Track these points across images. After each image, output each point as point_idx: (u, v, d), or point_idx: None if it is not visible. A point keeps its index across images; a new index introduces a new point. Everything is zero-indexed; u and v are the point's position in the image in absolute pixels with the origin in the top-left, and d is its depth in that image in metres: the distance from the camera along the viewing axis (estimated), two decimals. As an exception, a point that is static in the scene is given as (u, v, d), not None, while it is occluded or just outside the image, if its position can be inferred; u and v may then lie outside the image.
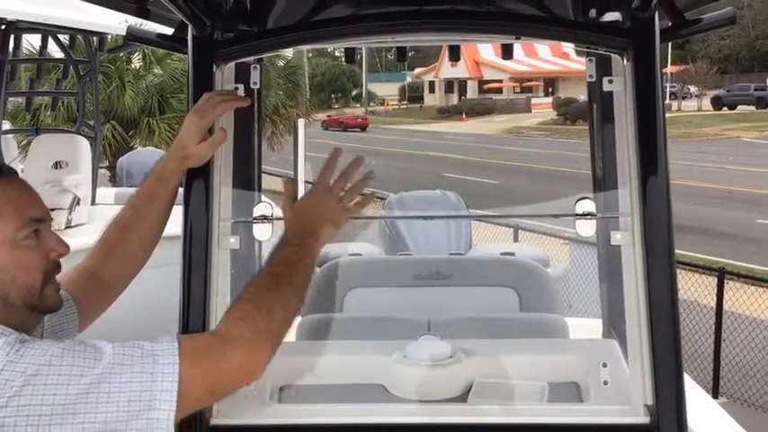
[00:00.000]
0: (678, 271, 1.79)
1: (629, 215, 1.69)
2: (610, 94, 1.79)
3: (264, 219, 1.86)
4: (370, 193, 1.76)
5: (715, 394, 7.06)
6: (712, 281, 7.73)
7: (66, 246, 1.36)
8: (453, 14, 1.81)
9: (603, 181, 2.14)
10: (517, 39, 1.91)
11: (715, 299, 7.47)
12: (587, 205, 1.78)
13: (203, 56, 1.77)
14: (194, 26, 1.73)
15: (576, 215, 1.79)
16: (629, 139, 1.71)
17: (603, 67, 1.86)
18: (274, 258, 1.54)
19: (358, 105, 63.59)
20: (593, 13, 1.99)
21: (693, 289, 8.02)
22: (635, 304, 1.67)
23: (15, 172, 1.38)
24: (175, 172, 1.71)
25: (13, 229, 1.28)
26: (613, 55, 1.77)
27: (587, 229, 1.78)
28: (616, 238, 1.70)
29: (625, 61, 1.74)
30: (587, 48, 1.84)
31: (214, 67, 1.77)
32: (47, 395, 1.13)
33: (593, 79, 1.89)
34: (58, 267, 1.37)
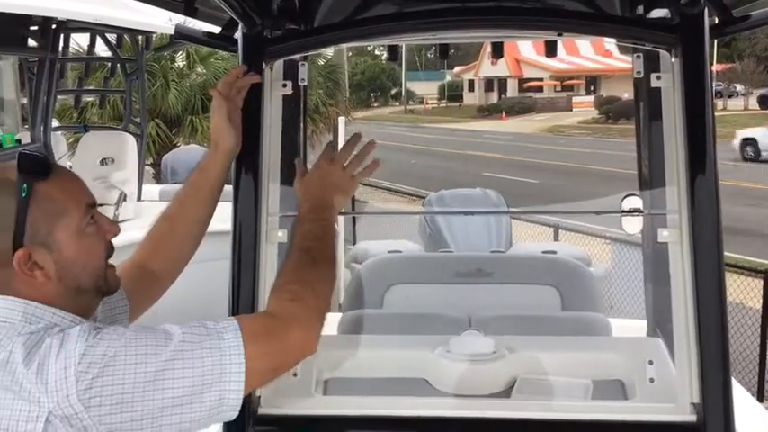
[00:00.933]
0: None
1: (677, 212, 1.68)
2: (657, 90, 1.78)
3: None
4: (376, 160, 1.78)
5: (760, 398, 6.93)
6: (758, 283, 7.57)
7: (117, 225, 1.42)
8: (498, 11, 1.82)
9: (650, 179, 2.13)
10: (559, 35, 1.91)
11: (761, 301, 7.32)
12: (634, 202, 1.78)
13: (253, 53, 1.80)
14: (245, 24, 1.77)
15: (623, 212, 1.78)
16: (677, 135, 1.70)
17: (651, 64, 1.85)
18: (300, 236, 1.59)
19: (397, 104, 63.61)
20: (640, 9, 1.99)
21: (739, 291, 7.86)
22: (682, 302, 1.66)
23: (61, 166, 1.41)
24: (213, 160, 1.75)
25: (78, 220, 1.32)
26: (662, 51, 1.76)
27: (634, 226, 1.78)
28: (663, 235, 1.69)
29: (673, 58, 1.73)
30: (635, 44, 1.84)
31: (263, 64, 1.81)
32: (127, 374, 1.19)
33: (641, 75, 1.88)
34: (111, 248, 1.42)
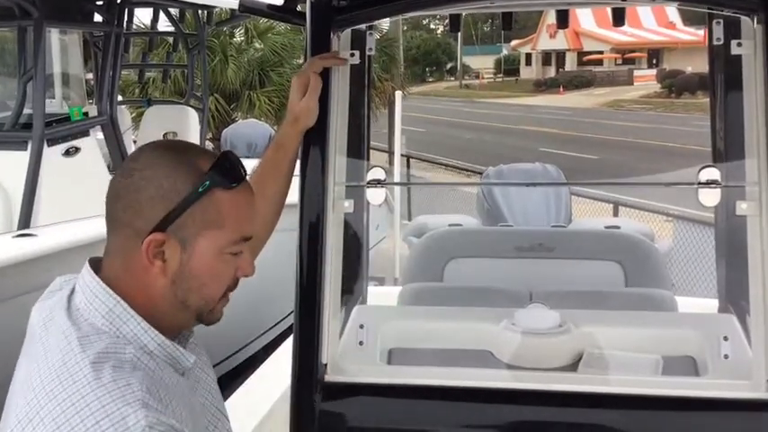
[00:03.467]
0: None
1: (757, 184, 1.62)
2: (737, 58, 1.71)
3: (378, 183, 1.89)
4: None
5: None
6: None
7: (254, 269, 1.29)
8: None
9: (726, 151, 2.06)
10: (623, 1, 1.84)
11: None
12: (712, 173, 1.72)
13: (321, 22, 1.80)
14: None
15: (699, 183, 1.73)
16: (758, 105, 1.64)
17: (731, 31, 1.78)
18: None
19: (452, 79, 63.03)
20: None
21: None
22: (760, 277, 1.61)
23: (250, 186, 1.29)
24: (291, 135, 1.75)
25: (226, 241, 1.22)
26: (743, 17, 1.68)
27: (711, 198, 1.72)
28: (742, 208, 1.64)
29: (756, 23, 1.66)
30: (715, 10, 1.77)
31: (331, 33, 1.80)
32: None
33: (721, 42, 1.81)
34: (235, 285, 1.29)
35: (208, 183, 1.18)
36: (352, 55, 1.87)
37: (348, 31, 1.87)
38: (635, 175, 16.92)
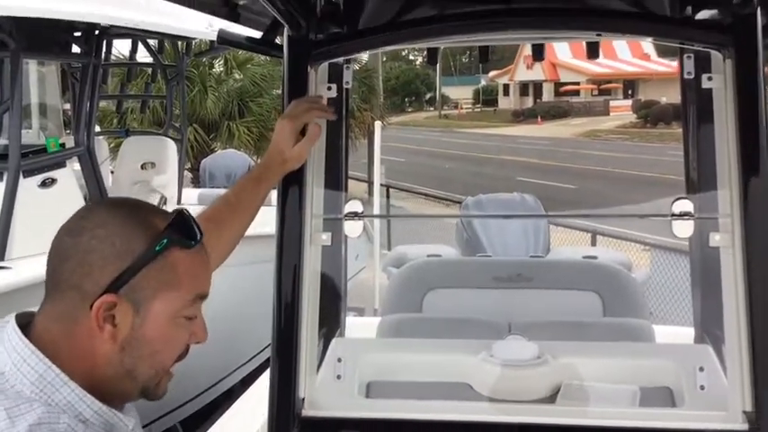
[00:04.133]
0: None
1: (729, 216, 1.64)
2: (708, 91, 1.75)
3: (355, 216, 1.89)
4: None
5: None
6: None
7: (206, 334, 1.22)
8: (542, 12, 1.80)
9: (699, 182, 2.09)
10: (598, 35, 1.88)
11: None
12: (685, 205, 1.74)
13: (299, 56, 1.81)
14: (290, 27, 1.78)
15: (673, 215, 1.75)
16: (728, 137, 1.66)
17: (702, 65, 1.81)
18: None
19: (432, 109, 63.54)
20: (689, 8, 1.95)
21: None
22: (734, 308, 1.62)
23: (203, 245, 1.23)
24: (276, 174, 1.77)
25: (181, 304, 1.16)
26: (713, 52, 1.72)
27: (685, 229, 1.74)
28: (715, 239, 1.66)
29: (725, 58, 1.69)
30: (686, 45, 1.80)
31: (308, 66, 1.81)
32: None
33: (692, 76, 1.84)
34: (186, 353, 1.21)
35: (165, 241, 1.13)
36: (330, 88, 1.88)
37: (325, 64, 1.88)
38: (612, 204, 17.08)
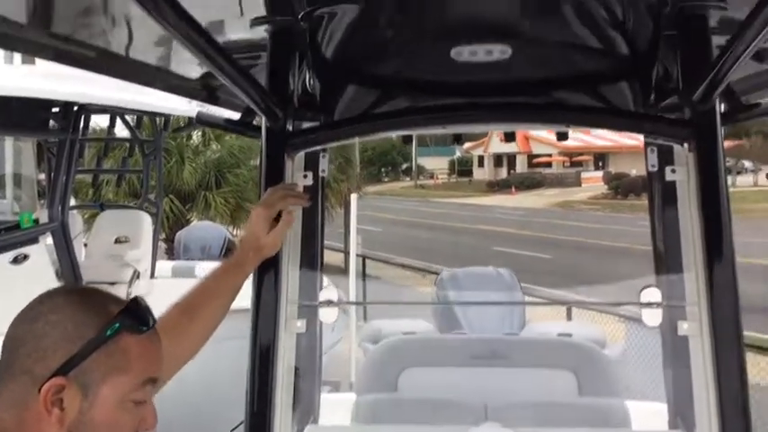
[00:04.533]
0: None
1: (696, 305, 1.67)
2: (672, 183, 1.81)
3: (330, 303, 1.90)
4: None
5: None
6: (772, 361, 7.44)
7: (156, 421, 1.23)
8: (511, 107, 1.87)
9: (667, 266, 2.13)
10: (570, 127, 1.95)
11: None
12: (653, 294, 1.77)
13: (276, 145, 1.85)
14: (268, 118, 1.82)
15: (642, 304, 1.78)
16: (693, 228, 1.71)
17: (665, 156, 1.88)
18: None
19: (408, 179, 64.17)
20: (652, 100, 2.03)
21: (757, 370, 7.71)
22: (704, 395, 1.64)
23: (156, 331, 1.26)
24: (252, 261, 1.77)
25: (130, 388, 1.17)
26: (676, 146, 1.79)
27: (654, 318, 1.77)
28: (683, 328, 1.69)
29: (688, 151, 1.76)
30: (649, 138, 1.87)
31: (285, 155, 1.85)
32: None
33: (656, 169, 1.91)
34: None
35: (117, 326, 1.15)
36: (306, 176, 1.92)
37: (302, 153, 1.92)
38: (585, 273, 17.19)
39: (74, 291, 1.28)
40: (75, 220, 6.28)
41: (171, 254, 11.21)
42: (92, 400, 1.14)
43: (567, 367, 3.25)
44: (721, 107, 1.78)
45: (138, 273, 5.83)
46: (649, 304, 1.76)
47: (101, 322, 1.15)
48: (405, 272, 17.89)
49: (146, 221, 6.02)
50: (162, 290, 6.26)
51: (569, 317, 9.01)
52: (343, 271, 11.94)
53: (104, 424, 1.15)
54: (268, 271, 1.81)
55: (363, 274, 13.74)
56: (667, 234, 2.11)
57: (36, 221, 5.27)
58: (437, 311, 4.88)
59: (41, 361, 1.12)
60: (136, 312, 1.20)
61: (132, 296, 1.25)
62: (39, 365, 1.12)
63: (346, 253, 14.21)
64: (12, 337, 1.16)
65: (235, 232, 12.09)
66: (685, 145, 1.75)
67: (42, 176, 6.79)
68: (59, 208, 5.43)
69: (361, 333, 5.91)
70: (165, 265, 7.43)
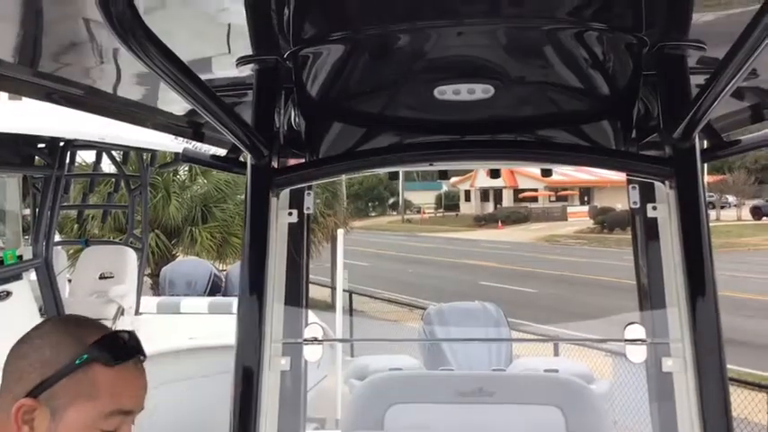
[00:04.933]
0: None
1: (680, 341, 1.68)
2: (654, 219, 1.82)
3: (315, 340, 1.89)
4: None
5: None
6: (762, 397, 7.44)
7: None
8: (495, 144, 1.89)
9: (651, 302, 2.14)
10: (553, 164, 1.97)
11: (767, 416, 7.16)
12: (637, 331, 1.78)
13: (261, 183, 1.85)
14: (253, 155, 1.83)
15: (626, 340, 1.78)
16: (675, 265, 1.73)
17: (647, 193, 1.90)
18: None
19: (395, 213, 64.29)
20: (633, 137, 2.06)
21: (743, 406, 7.71)
22: (689, 431, 1.64)
23: (140, 358, 1.32)
24: None
25: (96, 416, 1.23)
26: (657, 183, 1.81)
27: (638, 355, 1.77)
28: (668, 364, 1.69)
29: (669, 188, 1.78)
30: (630, 176, 1.89)
31: (270, 193, 1.85)
32: None
33: (638, 206, 1.93)
34: None
35: (86, 356, 1.23)
36: (290, 213, 1.92)
37: (287, 190, 1.92)
38: (572, 308, 17.20)
39: (66, 319, 1.36)
40: (60, 256, 6.24)
41: (156, 289, 11.14)
42: (58, 423, 1.21)
43: (554, 403, 3.24)
44: (702, 144, 1.81)
45: (123, 309, 5.78)
46: (634, 341, 1.76)
47: (75, 351, 1.23)
48: (392, 306, 17.85)
49: (130, 257, 5.99)
50: (147, 325, 6.21)
51: (556, 352, 9.00)
52: (330, 306, 11.89)
53: None
54: (251, 309, 1.80)
55: (350, 310, 13.68)
56: (651, 270, 2.12)
57: (20, 258, 5.23)
58: (424, 347, 4.87)
59: (20, 381, 1.22)
60: (108, 345, 1.26)
61: (114, 331, 1.30)
62: (18, 385, 1.22)
63: (333, 288, 14.16)
64: (7, 357, 1.25)
65: (221, 267, 12.04)
66: (666, 182, 1.77)
67: (27, 212, 6.75)
68: (44, 244, 5.40)
69: (347, 369, 5.87)
70: (150, 301, 7.37)
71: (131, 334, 1.32)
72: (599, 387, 4.26)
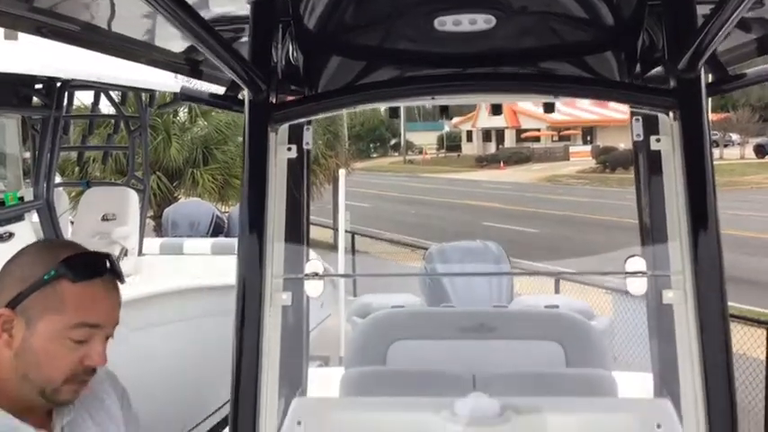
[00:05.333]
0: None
1: (681, 273, 1.68)
2: (657, 152, 1.80)
3: (316, 276, 1.89)
4: None
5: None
6: (761, 333, 7.52)
7: (105, 361, 1.41)
8: (497, 77, 1.86)
9: (652, 238, 2.13)
10: (556, 97, 1.94)
11: (765, 352, 7.25)
12: (637, 263, 1.78)
13: (259, 118, 1.83)
14: (251, 90, 1.80)
15: (627, 273, 1.78)
16: (678, 197, 1.71)
17: (650, 126, 1.87)
18: None
19: (396, 155, 64.07)
20: (638, 69, 2.02)
21: (743, 341, 7.80)
22: (689, 364, 1.65)
23: (113, 276, 1.45)
24: None
25: (63, 327, 1.37)
26: (660, 114, 1.78)
27: (639, 287, 1.77)
28: (668, 297, 1.69)
29: (672, 120, 1.75)
30: (634, 108, 1.86)
31: (269, 128, 1.83)
32: None
33: (641, 138, 1.91)
34: (90, 372, 1.42)
35: (54, 272, 1.36)
36: (290, 149, 1.90)
37: (286, 125, 1.90)
38: (573, 247, 17.27)
39: (46, 242, 1.53)
40: (61, 198, 6.22)
41: (159, 231, 11.18)
42: (32, 332, 1.36)
43: (554, 339, 3.27)
44: (707, 78, 1.78)
45: (126, 250, 5.79)
46: (634, 273, 1.76)
47: (46, 268, 1.37)
48: (394, 248, 17.95)
49: (132, 198, 5.97)
50: (150, 267, 6.23)
51: (557, 290, 9.07)
52: (333, 247, 11.96)
53: (42, 352, 1.36)
54: (251, 245, 1.80)
55: (353, 250, 13.77)
56: (653, 203, 2.11)
57: (21, 199, 5.22)
58: (425, 285, 4.89)
59: (2, 293, 1.38)
60: (75, 264, 1.38)
61: (83, 251, 1.43)
62: (1, 297, 1.38)
63: (335, 229, 14.23)
64: None
65: (223, 209, 12.06)
66: (670, 114, 1.74)
67: (28, 155, 6.72)
68: (44, 185, 5.38)
69: (349, 308, 5.92)
70: (153, 243, 7.39)
71: (105, 255, 1.44)
72: (599, 323, 4.29)
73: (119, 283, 1.47)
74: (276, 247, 1.85)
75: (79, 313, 1.37)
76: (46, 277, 1.37)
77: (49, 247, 1.50)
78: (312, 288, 1.91)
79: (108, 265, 1.43)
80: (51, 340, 1.36)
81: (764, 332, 7.34)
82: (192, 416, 5.47)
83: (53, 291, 1.37)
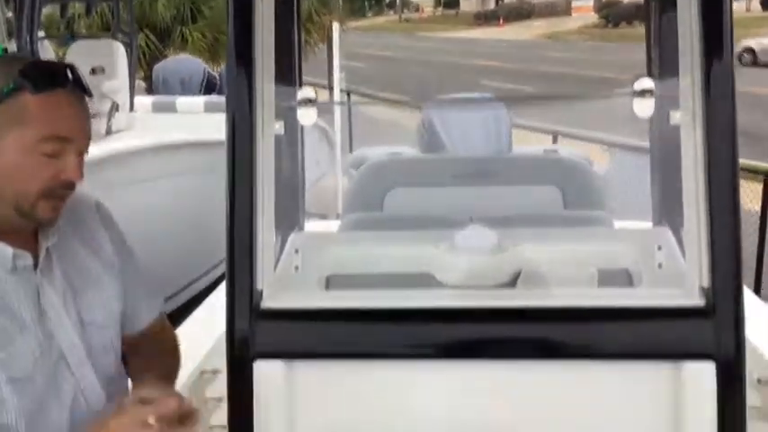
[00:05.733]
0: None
1: (691, 93, 1.60)
2: None
3: (309, 102, 1.82)
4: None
5: (756, 293, 7.01)
6: (757, 186, 7.54)
7: (80, 175, 1.39)
8: None
9: (661, 63, 2.04)
10: None
11: (760, 203, 7.30)
12: (646, 83, 1.70)
13: None
14: None
15: (634, 92, 1.70)
16: (691, 18, 1.61)
17: None
18: None
19: (392, 13, 62.12)
20: None
21: (742, 195, 7.83)
22: (693, 186, 1.60)
23: (78, 87, 1.40)
24: None
25: (30, 139, 1.34)
26: None
27: (645, 108, 1.70)
28: (675, 117, 1.62)
29: None
30: None
31: None
32: None
33: None
34: (67, 187, 1.39)
35: (12, 85, 1.32)
36: None
37: None
38: (573, 106, 17.05)
39: (4, 57, 1.51)
40: (47, 52, 6.04)
41: (151, 91, 10.97)
42: (3, 147, 1.33)
43: (552, 182, 3.25)
44: None
45: (117, 105, 5.67)
46: (642, 92, 1.68)
47: (6, 81, 1.33)
48: (389, 107, 17.72)
49: (120, 51, 5.78)
50: (143, 123, 6.14)
51: (555, 142, 9.02)
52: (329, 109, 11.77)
53: (12, 167, 1.34)
54: (240, 80, 1.70)
55: (348, 108, 13.60)
56: (663, 24, 2.00)
57: (5, 51, 5.04)
58: (422, 137, 4.82)
59: None
60: (32, 74, 1.34)
61: (36, 60, 1.42)
62: None
63: (330, 88, 13.97)
64: None
65: (215, 69, 11.77)
66: None
67: (11, 15, 6.45)
68: (27, 38, 5.20)
69: (346, 162, 5.89)
70: (145, 101, 7.25)
71: (67, 65, 1.39)
72: (598, 169, 4.27)
73: (86, 98, 1.42)
74: (266, 81, 1.76)
75: (45, 125, 1.34)
76: (5, 90, 1.32)
77: (8, 61, 1.43)
78: (306, 116, 1.84)
79: (70, 76, 1.37)
80: (21, 154, 1.33)
81: (761, 185, 7.34)
82: (190, 268, 5.55)
83: (15, 103, 1.33)
